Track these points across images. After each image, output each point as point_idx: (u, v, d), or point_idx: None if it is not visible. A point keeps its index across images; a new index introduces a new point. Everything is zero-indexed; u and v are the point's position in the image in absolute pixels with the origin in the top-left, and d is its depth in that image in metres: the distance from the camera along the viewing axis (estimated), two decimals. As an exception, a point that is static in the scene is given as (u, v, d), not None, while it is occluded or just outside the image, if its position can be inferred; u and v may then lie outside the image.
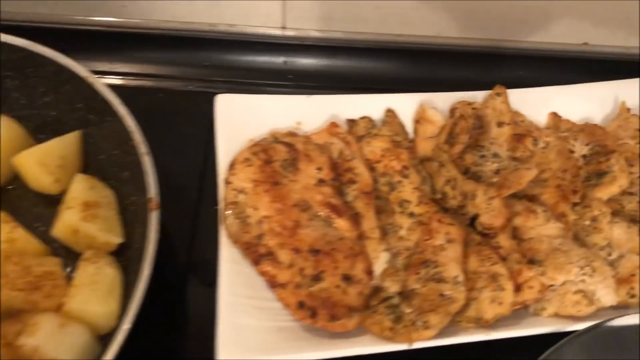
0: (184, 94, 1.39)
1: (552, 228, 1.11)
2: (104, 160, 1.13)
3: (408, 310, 1.02)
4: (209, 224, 1.12)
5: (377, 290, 1.06)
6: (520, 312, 1.06)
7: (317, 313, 0.98)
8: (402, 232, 1.12)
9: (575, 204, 1.17)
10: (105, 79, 1.34)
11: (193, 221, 1.20)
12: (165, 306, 1.09)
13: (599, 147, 1.25)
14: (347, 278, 1.02)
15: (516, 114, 1.30)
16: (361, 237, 1.08)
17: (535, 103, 1.33)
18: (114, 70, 1.40)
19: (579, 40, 1.49)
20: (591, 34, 1.47)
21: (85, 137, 1.14)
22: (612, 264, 1.10)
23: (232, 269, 1.03)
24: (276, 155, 1.14)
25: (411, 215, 1.13)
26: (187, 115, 1.33)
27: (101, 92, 1.06)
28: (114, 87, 1.08)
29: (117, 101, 1.05)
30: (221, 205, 1.10)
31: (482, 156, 1.23)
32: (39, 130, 1.15)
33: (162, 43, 1.44)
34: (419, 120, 1.27)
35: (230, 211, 1.08)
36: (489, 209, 1.11)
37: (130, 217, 1.06)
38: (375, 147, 1.18)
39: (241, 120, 1.21)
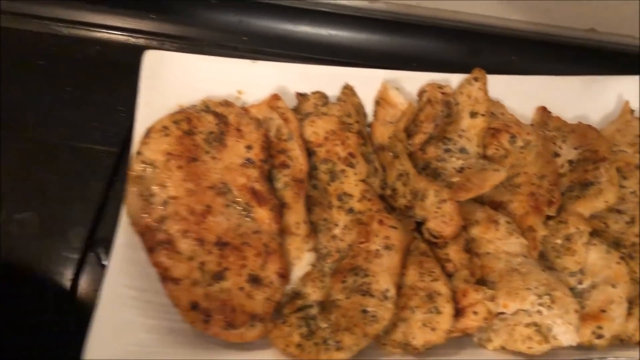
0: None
1: (514, 244, 0.93)
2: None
3: (324, 325, 0.86)
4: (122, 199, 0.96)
5: (294, 296, 0.91)
6: (462, 340, 0.89)
7: (211, 318, 0.82)
8: (337, 231, 0.95)
9: (549, 218, 0.98)
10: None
11: (104, 193, 1.05)
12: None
13: (589, 152, 1.04)
14: (255, 279, 0.86)
15: (496, 104, 1.10)
16: (283, 232, 0.92)
17: (523, 94, 1.13)
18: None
19: (585, 24, 1.27)
20: (600, 19, 1.25)
21: None
22: (581, 295, 0.92)
23: (125, 256, 0.88)
24: (201, 126, 0.97)
25: (350, 211, 0.96)
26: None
27: None
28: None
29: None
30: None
31: (447, 150, 1.04)
32: None
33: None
34: (379, 102, 1.09)
35: (134, 187, 0.92)
36: (438, 214, 0.93)
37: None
38: (318, 128, 1.01)
39: (172, 83, 1.05)
